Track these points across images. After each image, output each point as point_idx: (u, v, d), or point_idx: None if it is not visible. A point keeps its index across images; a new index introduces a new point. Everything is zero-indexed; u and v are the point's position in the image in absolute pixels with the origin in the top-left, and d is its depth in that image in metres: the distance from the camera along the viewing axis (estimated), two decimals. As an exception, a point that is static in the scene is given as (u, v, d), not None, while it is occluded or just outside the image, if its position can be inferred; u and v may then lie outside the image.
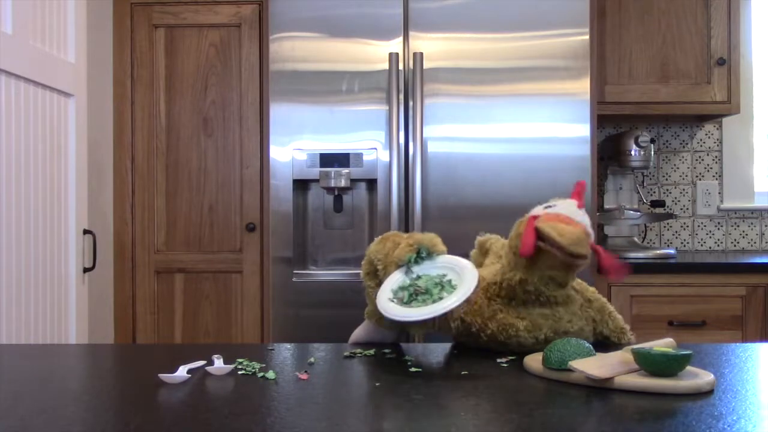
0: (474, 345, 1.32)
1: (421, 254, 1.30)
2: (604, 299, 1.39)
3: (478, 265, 1.48)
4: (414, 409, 0.96)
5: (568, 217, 1.23)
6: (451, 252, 1.33)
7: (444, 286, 1.24)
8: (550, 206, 1.28)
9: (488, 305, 1.31)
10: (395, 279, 1.29)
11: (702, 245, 3.28)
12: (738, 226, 3.27)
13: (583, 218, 1.25)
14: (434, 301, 1.20)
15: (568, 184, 2.50)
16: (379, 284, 1.32)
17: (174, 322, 3.02)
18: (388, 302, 1.24)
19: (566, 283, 1.28)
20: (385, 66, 2.53)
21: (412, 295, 1.24)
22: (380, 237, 1.39)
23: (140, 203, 3.03)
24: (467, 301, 1.19)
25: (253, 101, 3.01)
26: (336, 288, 2.54)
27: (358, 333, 1.43)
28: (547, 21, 2.53)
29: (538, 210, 1.28)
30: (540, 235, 1.22)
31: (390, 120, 2.50)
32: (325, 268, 2.62)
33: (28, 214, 2.12)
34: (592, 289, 1.39)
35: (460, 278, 1.24)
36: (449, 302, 1.18)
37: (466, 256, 1.55)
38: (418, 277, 1.27)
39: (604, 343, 1.36)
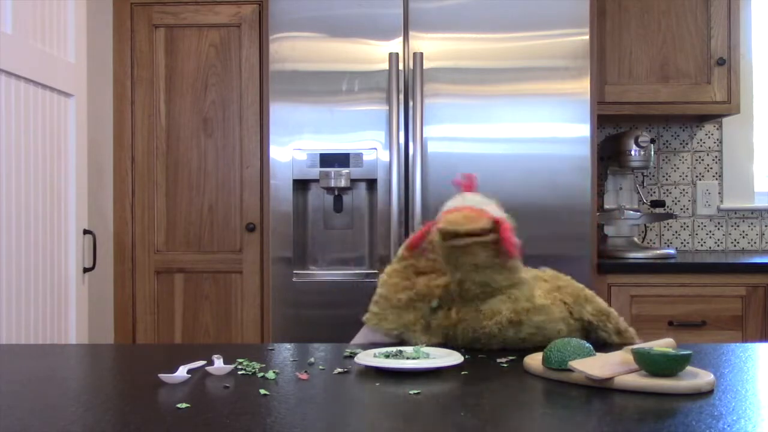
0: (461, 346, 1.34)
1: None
2: (581, 285, 1.39)
3: None
4: (414, 409, 0.96)
5: (469, 207, 1.29)
6: None
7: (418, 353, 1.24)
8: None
9: (455, 311, 1.34)
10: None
11: (702, 245, 3.28)
12: (738, 226, 3.27)
13: (481, 204, 1.31)
14: (408, 358, 1.21)
15: (568, 184, 2.50)
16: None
17: (174, 322, 3.02)
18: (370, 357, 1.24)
19: (497, 275, 1.29)
20: (385, 66, 2.53)
21: (389, 355, 1.23)
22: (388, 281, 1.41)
23: (140, 203, 3.03)
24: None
25: (253, 101, 3.01)
26: (336, 288, 2.54)
27: (358, 340, 1.43)
28: (547, 21, 2.53)
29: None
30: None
31: (390, 120, 2.50)
32: (325, 268, 2.62)
33: (28, 214, 2.12)
34: (566, 277, 1.40)
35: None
36: (427, 363, 1.18)
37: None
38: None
39: (604, 343, 1.36)
